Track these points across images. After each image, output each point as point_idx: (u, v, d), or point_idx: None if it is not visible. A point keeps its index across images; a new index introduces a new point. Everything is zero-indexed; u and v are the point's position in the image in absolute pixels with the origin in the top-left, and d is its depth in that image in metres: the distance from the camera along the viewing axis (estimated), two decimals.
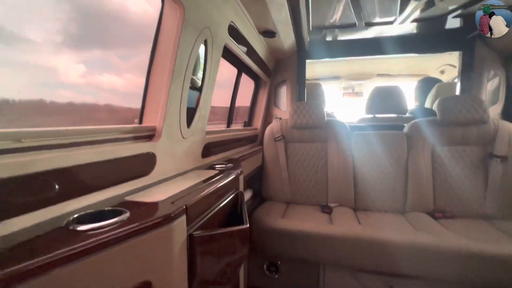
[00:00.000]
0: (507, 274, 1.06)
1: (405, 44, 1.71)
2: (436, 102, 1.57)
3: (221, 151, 1.35)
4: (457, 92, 1.76)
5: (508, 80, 1.64)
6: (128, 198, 0.61)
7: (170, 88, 0.74)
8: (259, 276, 1.43)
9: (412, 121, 1.64)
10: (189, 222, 0.56)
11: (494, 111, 1.63)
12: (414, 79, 2.50)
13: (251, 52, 1.48)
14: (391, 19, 1.39)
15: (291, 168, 1.74)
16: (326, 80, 2.89)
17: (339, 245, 1.24)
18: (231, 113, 1.62)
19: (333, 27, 1.59)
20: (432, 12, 1.34)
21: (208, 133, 1.15)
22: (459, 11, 1.34)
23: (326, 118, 1.70)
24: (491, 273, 1.09)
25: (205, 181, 0.78)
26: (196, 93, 0.94)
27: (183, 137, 0.87)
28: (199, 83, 0.95)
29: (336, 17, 1.44)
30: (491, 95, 1.65)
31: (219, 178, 0.82)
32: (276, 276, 1.39)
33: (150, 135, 0.77)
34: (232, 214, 0.88)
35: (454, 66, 1.91)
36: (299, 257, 1.32)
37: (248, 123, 2.01)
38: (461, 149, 1.51)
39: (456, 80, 1.83)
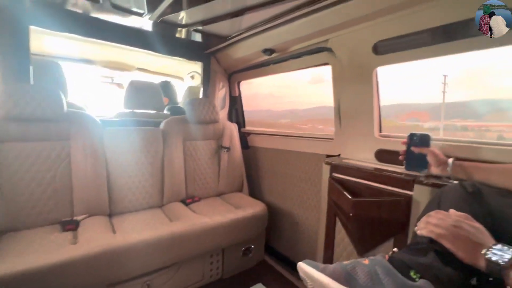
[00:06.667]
0: (237, 234, 1.46)
1: (156, 42, 1.74)
2: (186, 103, 1.79)
3: None
4: (201, 95, 2.14)
5: (230, 91, 2.26)
6: None
7: None
8: None
9: (167, 119, 1.74)
10: None
11: (223, 114, 2.18)
12: (171, 78, 2.73)
13: None
14: (140, 11, 1.34)
15: (7, 181, 1.17)
16: (75, 62, 2.32)
17: (86, 267, 1.00)
18: None
19: None
20: (178, 19, 1.46)
21: None
22: (199, 27, 1.58)
23: (66, 108, 1.32)
24: (227, 236, 1.42)
25: None
26: None
27: None
28: None
29: None
30: (221, 101, 2.19)
31: None
32: None
33: None
34: None
35: (200, 74, 2.30)
36: None
37: None
38: (204, 143, 1.84)
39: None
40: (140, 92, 1.78)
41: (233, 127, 1.99)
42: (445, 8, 0.89)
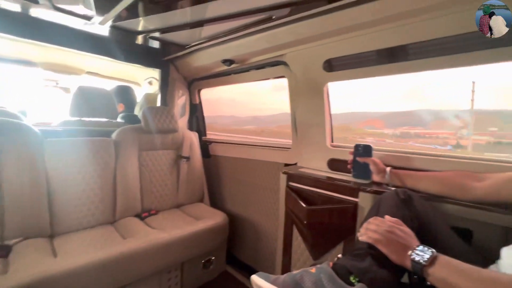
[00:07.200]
0: (198, 247, 1.45)
1: (108, 47, 1.64)
2: (141, 111, 1.71)
3: None
4: (158, 103, 2.06)
5: (190, 99, 2.22)
6: None
7: None
8: None
9: (121, 128, 1.64)
10: None
11: (182, 122, 2.13)
12: (128, 84, 2.57)
13: None
14: (89, 14, 1.25)
15: None
16: (11, 63, 2.05)
17: None
18: None
19: None
20: (132, 26, 1.40)
21: None
22: (157, 34, 1.53)
23: None
24: (187, 250, 1.39)
25: None
26: None
27: None
28: None
29: None
30: (180, 109, 2.14)
31: None
32: None
33: None
34: None
35: (158, 80, 2.22)
36: None
37: None
38: (162, 153, 1.77)
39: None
40: (89, 99, 1.64)
41: (193, 136, 1.96)
42: (388, 34, 1.01)
